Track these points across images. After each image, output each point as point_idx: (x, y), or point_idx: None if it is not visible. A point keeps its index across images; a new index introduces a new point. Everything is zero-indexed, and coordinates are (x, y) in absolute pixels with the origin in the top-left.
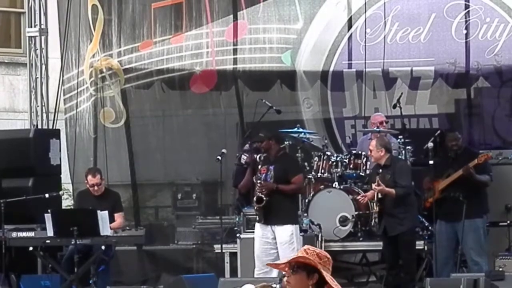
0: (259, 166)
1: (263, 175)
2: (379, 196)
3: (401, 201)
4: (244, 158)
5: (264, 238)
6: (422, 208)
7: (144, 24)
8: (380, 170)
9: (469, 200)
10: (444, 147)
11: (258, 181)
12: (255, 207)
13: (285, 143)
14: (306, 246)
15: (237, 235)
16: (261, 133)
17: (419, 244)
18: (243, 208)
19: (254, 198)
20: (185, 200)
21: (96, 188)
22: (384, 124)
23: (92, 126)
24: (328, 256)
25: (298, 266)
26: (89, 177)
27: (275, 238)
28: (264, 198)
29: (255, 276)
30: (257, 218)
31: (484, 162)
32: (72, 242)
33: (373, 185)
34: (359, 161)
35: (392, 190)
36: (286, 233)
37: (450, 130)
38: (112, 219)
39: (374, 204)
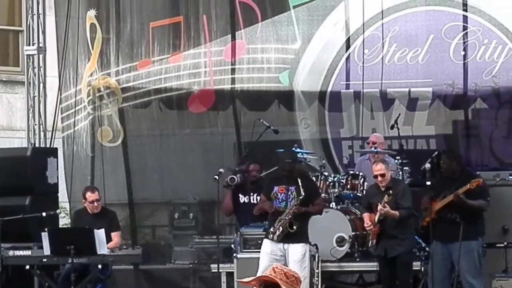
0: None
1: (282, 195)
2: (381, 217)
3: (402, 222)
4: (237, 179)
5: (273, 255)
6: (420, 227)
7: (142, 43)
8: (391, 192)
9: (464, 222)
10: (442, 168)
11: (294, 206)
12: (281, 229)
13: (302, 162)
14: (275, 265)
15: (234, 254)
16: (284, 156)
17: (416, 265)
18: (241, 228)
19: (285, 223)
20: (182, 220)
21: (95, 204)
22: (371, 144)
23: (90, 145)
24: (296, 275)
25: (266, 284)
26: (88, 193)
27: (283, 255)
28: (295, 225)
29: None
30: (273, 238)
31: (476, 188)
32: (69, 261)
33: (379, 206)
34: (356, 182)
35: (396, 213)
36: (300, 251)
37: (447, 152)
38: (109, 238)
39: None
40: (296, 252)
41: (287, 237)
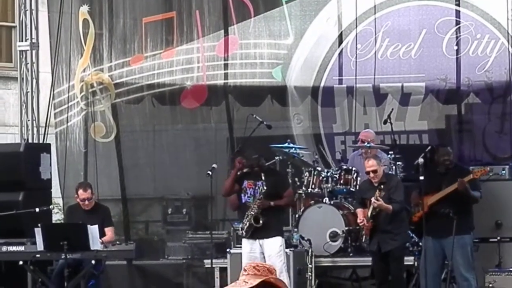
0: (245, 181)
1: (250, 190)
2: (373, 213)
3: (395, 217)
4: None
5: (252, 253)
6: (409, 223)
7: (135, 39)
8: (382, 186)
9: (457, 217)
10: (435, 163)
11: (258, 201)
12: (248, 224)
13: (276, 158)
14: (253, 264)
15: (227, 250)
16: (251, 153)
17: (409, 260)
18: (234, 223)
19: (251, 218)
20: (175, 215)
21: (86, 202)
22: (361, 143)
23: (83, 141)
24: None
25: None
26: (80, 191)
27: (262, 253)
28: (261, 219)
29: None
30: (243, 234)
31: (475, 179)
32: (62, 257)
33: (372, 200)
34: (350, 177)
35: (390, 206)
36: (275, 245)
37: (442, 145)
38: (102, 234)
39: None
40: (271, 246)
41: (260, 233)
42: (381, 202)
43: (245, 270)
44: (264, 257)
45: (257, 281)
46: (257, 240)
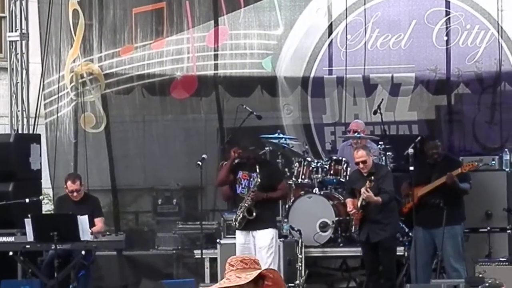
0: (240, 172)
1: (245, 181)
2: (363, 203)
3: (385, 207)
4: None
5: (246, 244)
6: (400, 214)
7: (125, 29)
8: (372, 177)
9: (448, 207)
10: (425, 154)
11: (252, 193)
12: (241, 216)
13: (266, 148)
14: (239, 258)
15: (217, 240)
16: (247, 144)
17: (399, 250)
18: (224, 214)
19: (244, 210)
20: (165, 206)
21: (75, 194)
22: (352, 132)
23: (73, 131)
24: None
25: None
26: (69, 183)
27: (254, 244)
28: (254, 212)
29: None
30: (237, 226)
31: (468, 171)
32: (52, 247)
33: (362, 190)
34: (340, 167)
35: (379, 199)
36: (267, 237)
37: (431, 138)
38: (92, 224)
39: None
40: (262, 238)
41: (252, 224)
42: (370, 194)
43: (232, 265)
44: (255, 249)
45: (253, 274)
46: (250, 232)
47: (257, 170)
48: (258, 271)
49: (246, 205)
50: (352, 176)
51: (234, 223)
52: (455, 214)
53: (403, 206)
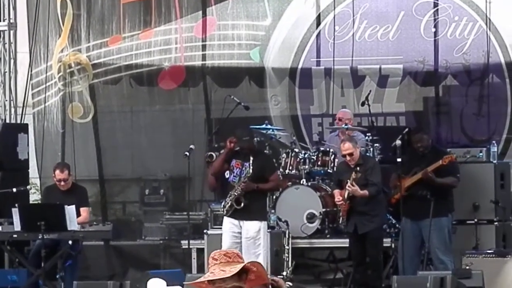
0: (233, 160)
1: (237, 169)
2: (350, 194)
3: (372, 199)
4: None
5: (232, 232)
6: (387, 205)
7: (113, 19)
8: (358, 168)
9: (435, 199)
10: (412, 145)
11: (242, 183)
12: (229, 204)
13: (253, 139)
14: (222, 252)
15: (204, 231)
16: (241, 134)
17: (386, 242)
18: (211, 205)
19: (233, 198)
20: (152, 196)
21: (62, 183)
22: (339, 121)
23: (60, 121)
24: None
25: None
26: (57, 171)
27: (241, 233)
28: (243, 202)
29: None
30: (224, 212)
31: (449, 164)
32: (39, 237)
33: (347, 185)
34: (327, 158)
35: (366, 192)
36: (254, 228)
37: (418, 130)
38: (78, 214)
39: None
40: (250, 229)
41: (241, 214)
42: (355, 188)
43: (215, 259)
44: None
45: (237, 267)
46: (238, 221)
47: (251, 161)
48: (242, 265)
49: (236, 194)
50: (339, 168)
51: (222, 210)
52: (442, 207)
53: (391, 197)
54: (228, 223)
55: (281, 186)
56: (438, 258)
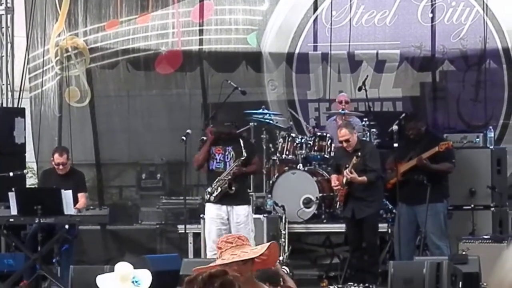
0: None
1: (219, 155)
2: (348, 180)
3: (371, 185)
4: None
5: (219, 219)
6: (384, 189)
7: (110, 4)
8: (359, 153)
9: (431, 184)
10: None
11: (236, 167)
12: (220, 189)
13: (250, 124)
14: (223, 239)
15: (201, 215)
16: (222, 120)
17: (383, 227)
18: (207, 189)
19: (223, 183)
20: (149, 180)
21: (61, 167)
22: (344, 104)
23: (57, 105)
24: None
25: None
26: (56, 155)
27: (228, 219)
28: (234, 186)
29: (208, 256)
30: (212, 199)
31: (445, 150)
32: (36, 221)
33: (346, 171)
34: (324, 143)
35: (364, 179)
36: (243, 212)
37: (411, 118)
38: (75, 199)
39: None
40: (239, 214)
41: (229, 199)
42: (354, 175)
43: (230, 243)
44: (229, 223)
45: (262, 246)
46: (225, 206)
47: (241, 144)
48: (268, 244)
49: (226, 179)
50: (337, 152)
51: (207, 196)
52: (437, 192)
53: (387, 182)
54: (214, 209)
55: (261, 169)
56: (434, 243)
